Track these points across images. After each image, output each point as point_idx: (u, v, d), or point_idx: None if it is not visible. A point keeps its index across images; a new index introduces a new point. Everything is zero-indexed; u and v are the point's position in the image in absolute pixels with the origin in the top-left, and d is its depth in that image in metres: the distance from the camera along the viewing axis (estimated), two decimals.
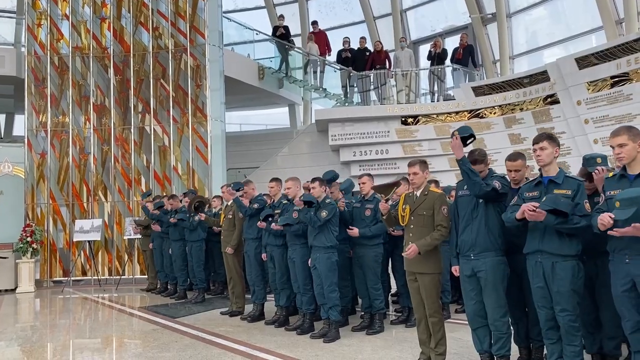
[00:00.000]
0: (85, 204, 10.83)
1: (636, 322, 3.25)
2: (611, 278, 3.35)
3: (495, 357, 3.96)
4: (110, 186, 10.91)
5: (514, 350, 4.06)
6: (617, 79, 9.21)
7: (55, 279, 10.65)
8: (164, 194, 9.67)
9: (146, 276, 9.84)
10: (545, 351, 3.87)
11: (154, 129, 10.93)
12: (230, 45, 13.28)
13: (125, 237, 10.47)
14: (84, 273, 10.74)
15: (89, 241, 10.38)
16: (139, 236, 9.83)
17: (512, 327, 4.01)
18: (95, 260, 10.57)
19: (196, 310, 7.37)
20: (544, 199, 3.48)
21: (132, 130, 10.95)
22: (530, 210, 3.45)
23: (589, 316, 3.87)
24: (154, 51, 11.05)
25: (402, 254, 4.31)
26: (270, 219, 5.97)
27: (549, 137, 3.75)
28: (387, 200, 4.54)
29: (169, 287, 8.86)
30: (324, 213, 5.33)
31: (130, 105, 11.01)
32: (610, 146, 3.38)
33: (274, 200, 6.29)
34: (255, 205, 6.36)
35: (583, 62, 9.66)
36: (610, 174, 3.54)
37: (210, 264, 8.52)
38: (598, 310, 3.88)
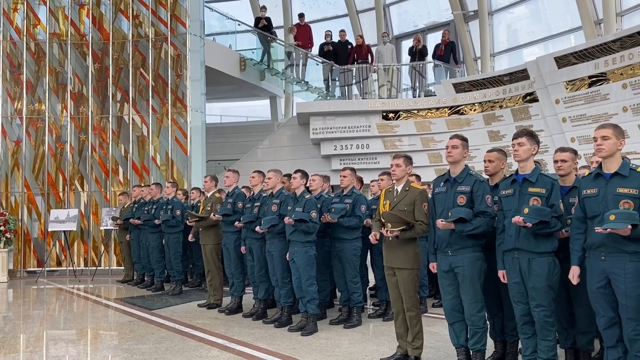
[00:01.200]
0: (61, 194, 10.65)
1: (610, 318, 3.32)
2: (587, 275, 3.41)
3: (471, 352, 4.00)
4: (87, 176, 10.74)
5: (490, 344, 4.10)
6: (594, 79, 9.34)
7: (29, 269, 10.47)
8: (142, 184, 9.55)
9: (122, 267, 9.73)
10: (520, 346, 3.93)
11: (132, 118, 10.78)
12: (211, 36, 13.15)
13: (102, 228, 10.33)
14: (59, 263, 10.57)
15: (64, 231, 10.22)
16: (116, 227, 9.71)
17: (488, 322, 4.06)
18: (70, 250, 10.41)
19: (173, 302, 7.31)
20: (526, 210, 3.52)
21: (110, 120, 10.79)
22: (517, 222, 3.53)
23: (564, 312, 3.92)
24: (134, 39, 10.88)
25: (385, 234, 4.26)
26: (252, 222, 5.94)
27: (529, 134, 3.78)
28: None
29: (145, 278, 8.77)
30: (314, 213, 5.31)
31: (109, 94, 10.84)
32: (593, 137, 3.42)
33: (253, 193, 6.26)
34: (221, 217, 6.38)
35: (562, 61, 9.78)
36: (587, 173, 3.60)
37: (188, 256, 8.46)
38: (572, 306, 3.93)
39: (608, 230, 3.14)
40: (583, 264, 3.45)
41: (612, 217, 3.16)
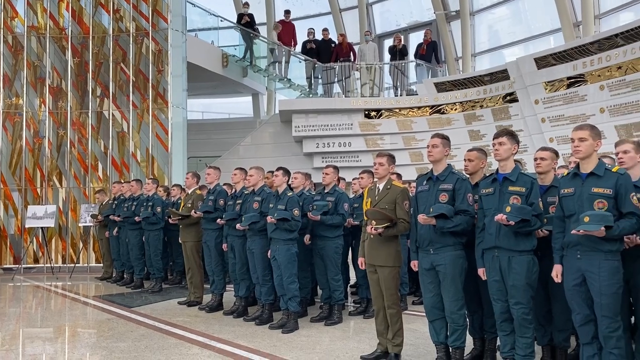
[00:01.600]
0: (38, 189, 10.49)
1: (585, 315, 3.39)
2: (564, 273, 3.48)
3: (450, 349, 4.04)
4: (65, 172, 10.59)
5: (469, 341, 4.15)
6: (573, 80, 9.49)
7: (5, 266, 10.29)
8: (122, 181, 9.45)
9: (102, 264, 9.61)
10: (498, 342, 3.98)
11: (112, 114, 10.66)
12: (193, 31, 13.05)
13: (81, 224, 10.20)
14: (36, 260, 10.41)
15: (42, 228, 10.06)
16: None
17: (467, 319, 4.10)
18: (48, 247, 10.26)
19: (153, 299, 7.25)
20: (509, 208, 3.57)
21: (89, 115, 10.65)
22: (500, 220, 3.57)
23: (542, 309, 3.98)
24: (115, 34, 10.75)
25: (369, 231, 4.28)
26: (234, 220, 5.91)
27: (509, 134, 3.84)
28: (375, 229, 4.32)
29: (125, 276, 8.69)
30: (296, 211, 5.31)
31: (89, 89, 10.70)
32: (571, 139, 3.48)
33: (235, 190, 6.23)
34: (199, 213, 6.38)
35: (542, 62, 9.91)
36: (565, 173, 3.66)
37: (168, 253, 8.40)
38: (550, 303, 3.99)
39: (582, 232, 3.21)
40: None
41: (586, 219, 3.22)
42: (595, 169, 3.40)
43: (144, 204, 7.89)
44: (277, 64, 13.56)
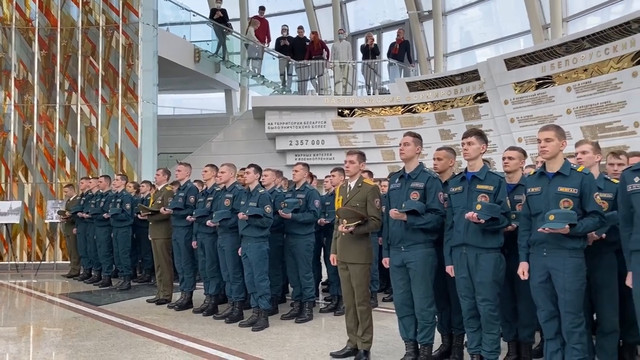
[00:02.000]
0: (3, 185, 10.20)
1: (550, 311, 3.47)
2: (530, 270, 3.55)
3: (419, 345, 4.09)
4: (31, 167, 10.32)
5: (437, 337, 4.20)
6: (541, 81, 9.68)
7: None
8: (90, 177, 9.26)
9: (69, 262, 9.41)
10: (466, 339, 4.04)
11: (80, 108, 10.42)
12: (165, 26, 12.85)
13: (47, 221, 9.97)
14: (0, 258, 10.13)
15: (6, 224, 9.80)
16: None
17: (436, 316, 4.15)
18: (12, 244, 9.99)
19: (121, 297, 7.14)
20: (479, 206, 3.62)
21: (57, 109, 10.40)
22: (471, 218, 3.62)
23: (508, 306, 4.06)
24: (84, 27, 10.51)
25: (340, 229, 4.29)
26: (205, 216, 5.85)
27: (478, 133, 3.90)
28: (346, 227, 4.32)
29: (92, 273, 8.53)
30: (268, 208, 5.28)
31: (56, 83, 10.44)
32: (537, 139, 3.56)
33: (206, 187, 6.17)
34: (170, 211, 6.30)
35: (511, 63, 10.08)
36: (532, 172, 3.74)
37: (137, 251, 8.27)
38: (516, 300, 4.07)
39: (547, 230, 3.28)
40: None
41: (551, 217, 3.30)
42: (561, 169, 3.49)
43: (113, 200, 7.77)
44: (251, 60, 13.45)
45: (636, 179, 3.18)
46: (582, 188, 3.41)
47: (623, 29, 8.29)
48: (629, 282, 3.24)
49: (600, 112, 8.73)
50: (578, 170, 3.49)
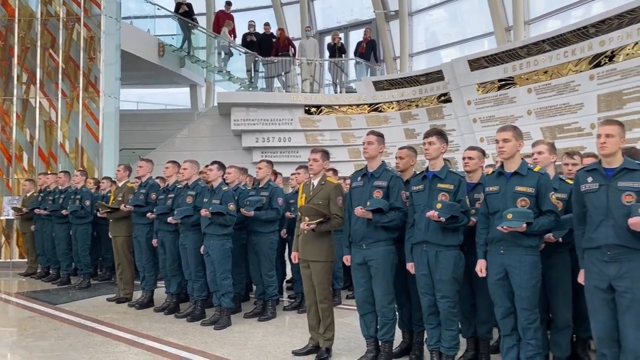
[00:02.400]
0: None
1: (506, 308, 3.55)
2: (487, 267, 3.62)
3: (380, 342, 4.12)
4: None
5: (398, 334, 4.25)
6: (503, 82, 9.87)
7: None
8: (49, 172, 9.01)
9: (25, 260, 9.13)
10: (425, 335, 4.10)
11: (39, 102, 10.12)
12: (129, 19, 12.60)
13: (3, 218, 9.65)
14: None
15: None
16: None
17: (397, 313, 4.20)
18: None
19: (80, 296, 6.97)
20: (440, 205, 3.67)
21: (14, 102, 10.07)
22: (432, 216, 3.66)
23: (467, 303, 4.13)
24: (43, 18, 10.20)
25: (302, 227, 4.29)
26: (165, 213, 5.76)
27: (438, 133, 3.95)
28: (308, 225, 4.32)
29: (50, 271, 8.30)
30: (231, 206, 5.24)
31: (13, 75, 10.10)
32: (495, 140, 3.64)
33: (168, 184, 6.08)
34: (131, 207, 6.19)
35: (475, 64, 10.25)
36: (491, 171, 3.81)
37: (97, 248, 8.09)
38: (474, 297, 4.15)
39: (506, 228, 3.36)
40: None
41: (509, 216, 3.38)
42: (518, 169, 3.57)
43: (72, 197, 7.58)
44: (222, 55, 13.27)
45: (589, 179, 3.27)
46: (538, 187, 3.50)
47: (581, 33, 8.53)
48: (580, 279, 3.33)
49: (559, 113, 8.96)
50: (535, 170, 3.58)
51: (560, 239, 3.69)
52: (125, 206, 6.29)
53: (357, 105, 12.15)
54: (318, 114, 12.23)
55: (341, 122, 12.16)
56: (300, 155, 12.01)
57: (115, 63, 10.35)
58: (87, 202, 7.46)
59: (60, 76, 10.10)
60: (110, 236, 6.73)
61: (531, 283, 3.47)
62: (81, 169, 9.02)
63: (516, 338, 3.56)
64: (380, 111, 11.94)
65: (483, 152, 4.37)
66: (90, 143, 10.04)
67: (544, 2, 11.21)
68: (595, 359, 3.55)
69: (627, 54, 7.92)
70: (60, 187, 7.99)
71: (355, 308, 4.31)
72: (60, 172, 8.44)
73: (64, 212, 7.52)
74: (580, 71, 8.61)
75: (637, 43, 7.78)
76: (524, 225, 3.36)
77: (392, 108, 11.82)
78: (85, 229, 7.55)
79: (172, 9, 13.42)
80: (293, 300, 6.27)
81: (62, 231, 7.74)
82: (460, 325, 4.00)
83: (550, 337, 3.92)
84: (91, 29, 10.15)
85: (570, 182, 3.80)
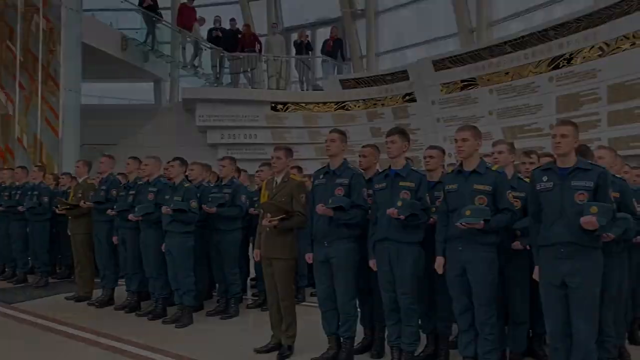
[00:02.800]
0: None
1: (464, 304, 3.63)
2: (446, 264, 3.69)
3: (341, 339, 4.15)
4: None
5: (359, 331, 4.29)
6: (466, 83, 10.07)
7: None
8: (5, 167, 8.74)
9: None
10: (387, 332, 4.14)
11: None
12: (90, 11, 12.30)
13: None
14: None
15: None
16: None
17: (359, 310, 4.23)
18: None
19: (37, 295, 6.78)
20: (400, 203, 3.72)
21: None
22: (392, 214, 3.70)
23: (426, 299, 4.19)
24: (0, 9, 9.88)
25: (264, 223, 4.28)
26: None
27: (400, 132, 4.00)
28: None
29: (6, 270, 8.05)
30: (194, 203, 5.18)
31: None
32: (455, 139, 3.71)
33: (128, 180, 5.97)
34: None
35: (439, 65, 10.41)
36: (450, 170, 3.89)
37: (56, 246, 7.88)
38: (434, 293, 4.21)
39: (465, 225, 3.43)
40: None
41: (467, 212, 3.46)
42: (477, 167, 3.65)
43: (29, 193, 7.35)
44: (181, 50, 13.08)
45: (544, 178, 3.36)
46: (495, 186, 3.59)
47: (542, 36, 8.77)
48: (536, 275, 3.43)
49: (519, 114, 9.20)
50: (492, 169, 3.67)
51: (528, 247, 3.74)
52: (85, 203, 6.15)
53: (324, 103, 12.19)
54: (285, 111, 12.21)
55: (308, 120, 12.17)
56: (266, 153, 11.92)
57: (76, 56, 10.12)
58: (45, 199, 7.26)
59: (17, 69, 9.81)
60: (69, 233, 6.57)
61: (488, 279, 3.55)
62: (39, 164, 8.78)
63: (474, 333, 3.63)
64: (347, 109, 12.01)
65: (443, 151, 4.45)
66: (49, 138, 9.80)
67: (507, 5, 11.45)
68: (548, 353, 3.67)
69: (584, 57, 8.17)
70: (17, 183, 7.75)
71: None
72: (17, 167, 8.18)
73: (20, 208, 7.31)
74: (540, 73, 8.84)
75: (593, 47, 8.03)
76: (482, 222, 3.43)
77: (359, 107, 11.90)
78: (44, 226, 7.34)
79: (136, 3, 13.15)
80: (257, 298, 6.24)
81: (18, 228, 7.50)
82: (420, 321, 4.06)
83: (507, 332, 4.02)
84: (51, 21, 9.91)
85: (528, 180, 3.90)
